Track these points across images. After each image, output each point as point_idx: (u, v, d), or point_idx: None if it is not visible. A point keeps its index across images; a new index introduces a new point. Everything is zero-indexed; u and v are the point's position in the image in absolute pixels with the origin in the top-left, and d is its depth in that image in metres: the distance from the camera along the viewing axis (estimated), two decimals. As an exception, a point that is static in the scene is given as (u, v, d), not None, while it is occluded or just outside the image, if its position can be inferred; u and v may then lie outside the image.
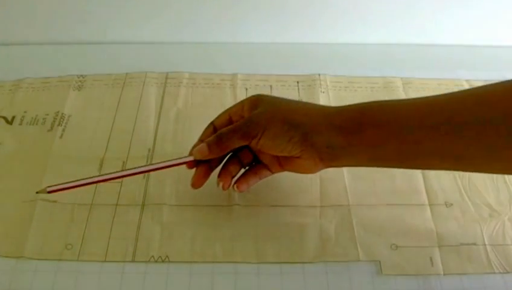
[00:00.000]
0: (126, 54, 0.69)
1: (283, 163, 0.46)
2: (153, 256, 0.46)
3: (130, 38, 0.71)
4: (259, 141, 0.42)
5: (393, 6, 0.68)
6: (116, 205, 0.50)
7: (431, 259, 0.46)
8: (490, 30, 0.71)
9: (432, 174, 0.53)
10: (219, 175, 0.47)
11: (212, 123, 0.48)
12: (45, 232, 0.47)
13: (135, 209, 0.49)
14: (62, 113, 0.58)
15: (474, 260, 0.46)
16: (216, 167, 0.47)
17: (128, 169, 0.47)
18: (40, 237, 0.47)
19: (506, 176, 0.53)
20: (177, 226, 0.48)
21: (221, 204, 0.50)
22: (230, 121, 0.46)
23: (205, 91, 0.62)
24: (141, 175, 0.52)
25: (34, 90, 0.62)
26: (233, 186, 0.47)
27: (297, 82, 0.63)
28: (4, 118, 0.58)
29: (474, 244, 0.47)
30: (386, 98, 0.60)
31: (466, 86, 0.63)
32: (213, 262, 0.46)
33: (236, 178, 0.47)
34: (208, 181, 0.50)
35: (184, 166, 0.52)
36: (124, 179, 0.51)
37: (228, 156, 0.47)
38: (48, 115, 0.58)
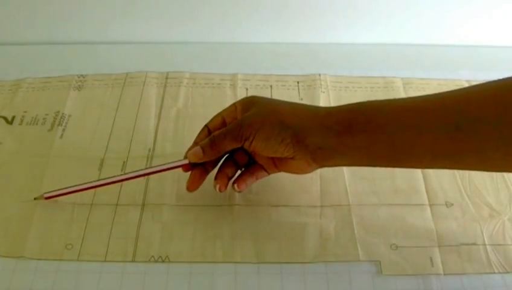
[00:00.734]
0: (126, 54, 0.69)
1: (278, 164, 0.46)
2: (153, 256, 0.46)
3: (130, 38, 0.71)
4: (251, 143, 0.42)
5: (394, 6, 0.68)
6: (116, 205, 0.50)
7: (431, 259, 0.46)
8: (490, 30, 0.71)
9: (432, 174, 0.53)
10: (216, 177, 0.47)
11: (206, 126, 0.48)
12: (45, 232, 0.47)
13: (135, 209, 0.49)
14: (62, 113, 0.59)
15: (474, 260, 0.46)
16: (212, 169, 0.47)
17: (125, 173, 0.47)
18: (40, 237, 0.47)
19: (506, 176, 0.53)
20: (177, 226, 0.48)
21: (221, 204, 0.50)
22: (223, 124, 0.47)
23: (205, 91, 0.62)
24: (141, 175, 0.52)
25: (34, 90, 0.62)
26: (232, 186, 0.47)
27: (298, 82, 0.63)
28: (4, 118, 0.58)
29: (474, 244, 0.47)
30: (386, 98, 0.61)
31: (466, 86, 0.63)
32: (213, 262, 0.46)
33: (233, 180, 0.48)
34: (207, 181, 0.50)
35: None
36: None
37: (224, 158, 0.47)
38: (48, 115, 0.59)
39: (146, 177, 0.52)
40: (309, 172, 0.45)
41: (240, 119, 0.44)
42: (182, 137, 0.56)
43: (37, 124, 0.58)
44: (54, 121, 0.58)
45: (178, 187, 0.51)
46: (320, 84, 0.63)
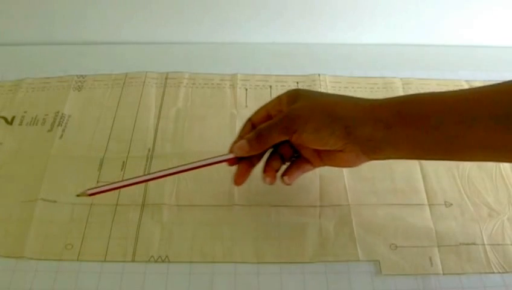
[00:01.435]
0: (126, 54, 0.69)
1: (324, 157, 0.45)
2: (152, 256, 0.46)
3: (130, 38, 0.71)
4: (300, 135, 0.42)
5: (393, 6, 0.68)
6: (116, 205, 0.50)
7: (430, 259, 0.46)
8: (490, 30, 0.71)
9: (432, 174, 0.53)
10: (264, 171, 0.46)
11: (250, 119, 0.47)
12: (45, 232, 0.47)
13: (135, 209, 0.50)
14: (62, 114, 0.59)
15: (474, 260, 0.46)
16: (257, 163, 0.47)
17: (168, 169, 0.46)
18: (40, 237, 0.47)
19: (505, 176, 0.53)
20: (177, 226, 0.48)
21: (221, 204, 0.50)
22: (268, 117, 0.46)
23: (205, 91, 0.62)
24: (140, 174, 0.52)
25: (34, 90, 0.62)
26: (282, 178, 0.47)
27: (297, 82, 0.63)
28: (4, 118, 0.58)
29: (474, 244, 0.47)
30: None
31: (466, 87, 0.63)
32: (213, 262, 0.46)
33: (280, 173, 0.47)
34: (207, 181, 0.50)
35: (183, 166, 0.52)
36: (125, 178, 0.51)
37: (269, 152, 0.47)
38: (47, 115, 0.59)
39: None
40: (356, 165, 0.44)
41: (287, 111, 0.43)
42: (182, 137, 0.56)
43: (36, 124, 0.58)
44: (54, 121, 0.58)
45: (178, 187, 0.51)
46: (320, 85, 0.63)
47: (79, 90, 0.62)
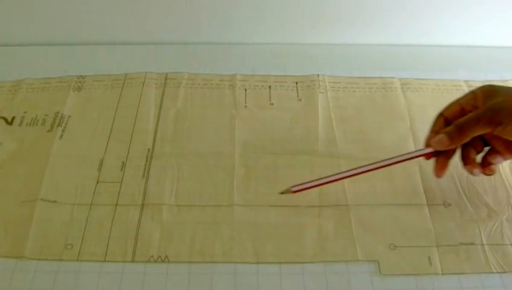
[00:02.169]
0: (125, 55, 0.69)
1: None
2: (152, 256, 0.46)
3: (129, 39, 0.71)
4: (505, 127, 0.43)
5: (392, 7, 0.68)
6: (116, 205, 0.50)
7: (429, 259, 0.46)
8: (489, 31, 0.71)
9: (431, 174, 0.53)
10: (465, 163, 0.48)
11: (441, 114, 0.49)
12: (45, 232, 0.47)
13: (135, 209, 0.50)
14: (62, 114, 0.59)
15: (473, 260, 0.46)
16: (452, 156, 0.48)
17: (370, 164, 0.48)
18: (40, 237, 0.47)
19: (504, 176, 0.53)
20: (176, 226, 0.48)
21: (221, 204, 0.50)
22: (462, 111, 0.47)
23: (204, 92, 0.62)
24: (140, 175, 0.52)
25: (34, 90, 0.62)
26: (484, 170, 0.48)
27: (296, 83, 0.64)
28: (4, 118, 0.58)
29: (473, 244, 0.48)
30: (384, 99, 0.61)
31: (465, 87, 0.63)
32: (212, 262, 0.46)
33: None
34: (207, 181, 0.50)
35: (183, 165, 0.53)
36: (125, 179, 0.52)
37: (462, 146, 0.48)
38: (47, 115, 0.59)
39: (145, 177, 0.52)
40: None
41: (491, 105, 0.44)
42: (181, 137, 0.56)
43: (36, 124, 0.58)
44: (54, 122, 0.58)
45: (177, 187, 0.52)
46: (319, 85, 0.63)
47: (79, 91, 0.62)
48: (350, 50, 0.70)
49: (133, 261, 0.46)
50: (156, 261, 0.46)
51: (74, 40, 0.71)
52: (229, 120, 0.58)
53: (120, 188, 0.51)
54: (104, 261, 0.46)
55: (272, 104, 0.61)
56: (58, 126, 0.57)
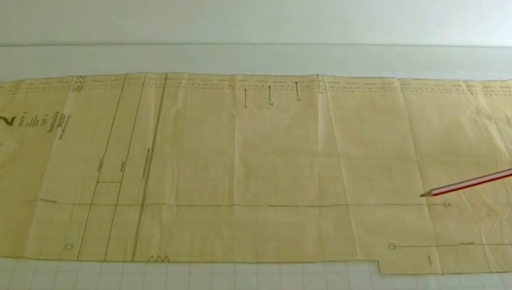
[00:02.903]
0: (125, 55, 0.69)
1: None
2: (152, 256, 0.46)
3: (129, 39, 0.71)
4: None
5: (392, 7, 0.68)
6: (116, 205, 0.50)
7: (429, 259, 0.46)
8: (488, 31, 0.71)
9: (430, 174, 0.53)
10: None
11: None
12: (45, 232, 0.47)
13: (135, 209, 0.50)
14: (62, 114, 0.59)
15: (472, 260, 0.46)
16: None
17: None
18: (40, 237, 0.47)
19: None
20: (176, 226, 0.48)
21: (220, 204, 0.50)
22: None
23: (204, 92, 0.62)
24: (140, 175, 0.52)
25: (34, 91, 0.62)
26: None
27: (296, 83, 0.64)
28: (4, 118, 0.58)
29: (472, 243, 0.48)
30: (384, 99, 0.61)
31: (464, 87, 0.63)
32: (212, 262, 0.46)
33: None
34: (206, 181, 0.51)
35: (183, 165, 0.53)
36: (125, 179, 0.52)
37: None
38: (47, 115, 0.59)
39: (145, 177, 0.52)
40: None
41: None
42: (181, 137, 0.56)
43: (36, 124, 0.58)
44: (54, 122, 0.58)
45: (177, 187, 0.52)
46: (319, 85, 0.63)
47: (79, 91, 0.62)
48: (350, 50, 0.70)
49: (133, 261, 0.46)
50: (156, 261, 0.46)
51: (74, 40, 0.71)
52: (229, 120, 0.58)
53: (120, 188, 0.51)
54: (104, 261, 0.46)
55: (272, 104, 0.61)
56: (58, 126, 0.57)
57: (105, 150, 0.55)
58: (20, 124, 0.58)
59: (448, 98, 0.62)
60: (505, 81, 0.64)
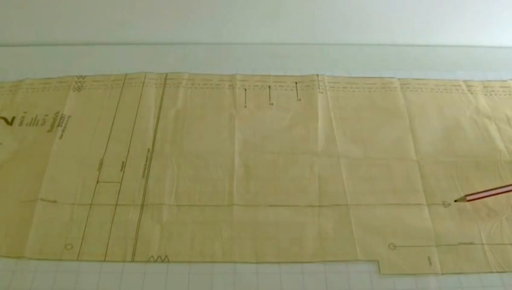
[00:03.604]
0: (125, 55, 0.69)
1: None
2: (152, 256, 0.46)
3: (129, 39, 0.71)
4: None
5: (391, 7, 0.68)
6: (116, 205, 0.50)
7: (429, 258, 0.46)
8: (488, 31, 0.71)
9: (430, 174, 0.53)
10: None
11: None
12: (45, 232, 0.47)
13: (135, 209, 0.50)
14: (62, 114, 0.59)
15: (472, 260, 0.46)
16: None
17: None
18: (40, 237, 0.47)
19: (503, 176, 0.53)
20: (176, 226, 0.48)
21: (220, 204, 0.50)
22: None
23: (204, 92, 0.62)
24: (140, 175, 0.52)
25: (34, 91, 0.62)
26: None
27: (296, 83, 0.64)
28: (4, 118, 0.58)
29: (472, 243, 0.48)
30: (384, 99, 0.61)
31: (464, 87, 0.63)
32: (212, 262, 0.46)
33: None
34: (206, 181, 0.50)
35: (183, 165, 0.53)
36: (125, 179, 0.52)
37: None
38: (47, 115, 0.59)
39: (145, 177, 0.52)
40: None
41: None
42: (181, 138, 0.56)
43: (36, 124, 0.58)
44: (54, 122, 0.58)
45: (177, 187, 0.52)
46: (318, 85, 0.63)
47: (79, 91, 0.62)
48: (349, 50, 0.70)
49: (133, 261, 0.46)
50: (156, 261, 0.46)
51: (74, 40, 0.71)
52: (229, 120, 0.58)
53: (120, 188, 0.51)
54: (104, 261, 0.46)
55: (272, 104, 0.61)
56: (58, 126, 0.57)
57: (105, 150, 0.55)
58: (20, 124, 0.58)
59: (448, 98, 0.62)
60: (505, 81, 0.64)
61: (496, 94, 0.63)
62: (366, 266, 0.46)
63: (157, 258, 0.46)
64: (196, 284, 0.45)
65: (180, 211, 0.50)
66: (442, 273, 0.45)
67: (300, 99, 0.61)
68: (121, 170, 0.53)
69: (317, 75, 0.64)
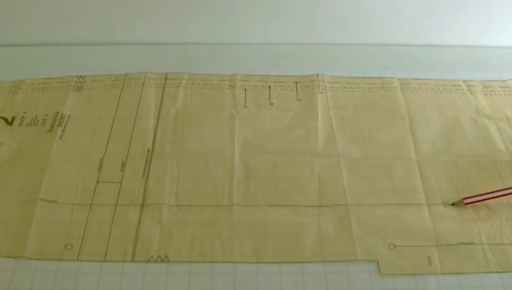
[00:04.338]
0: (125, 55, 0.69)
1: None
2: (152, 256, 0.46)
3: (129, 39, 0.71)
4: None
5: (391, 7, 0.68)
6: (116, 205, 0.50)
7: (429, 258, 0.46)
8: (488, 31, 0.71)
9: (430, 174, 0.53)
10: None
11: None
12: (45, 232, 0.47)
13: (135, 209, 0.50)
14: (62, 114, 0.59)
15: (472, 259, 0.46)
16: None
17: None
18: (40, 237, 0.47)
19: (503, 176, 0.53)
20: (176, 226, 0.49)
21: (221, 204, 0.50)
22: None
23: (204, 92, 0.62)
24: (140, 175, 0.52)
25: (34, 91, 0.62)
26: None
27: (296, 83, 0.64)
28: (4, 118, 0.58)
29: (472, 243, 0.48)
30: (384, 99, 0.61)
31: (464, 87, 0.63)
32: (212, 262, 0.46)
33: None
34: (206, 181, 0.50)
35: (183, 165, 0.53)
36: (125, 179, 0.52)
37: None
38: (47, 115, 0.59)
39: (145, 177, 0.52)
40: None
41: None
42: (181, 137, 0.56)
43: (36, 124, 0.58)
44: (54, 122, 0.58)
45: (177, 187, 0.52)
46: (318, 85, 0.63)
47: (79, 91, 0.62)
48: (349, 50, 0.70)
49: (133, 261, 0.46)
50: (156, 261, 0.46)
51: (74, 40, 0.71)
52: (229, 120, 0.58)
53: (120, 188, 0.51)
54: (104, 261, 0.46)
55: (272, 104, 0.61)
56: (58, 126, 0.57)
57: (105, 150, 0.55)
58: (20, 124, 0.58)
59: (448, 98, 0.62)
60: (505, 81, 0.64)
61: (495, 94, 0.63)
62: (366, 266, 0.46)
63: (157, 258, 0.46)
64: (196, 284, 0.45)
65: (180, 211, 0.50)
66: (442, 273, 0.45)
67: (300, 99, 0.61)
68: (121, 170, 0.53)
69: (317, 75, 0.64)
